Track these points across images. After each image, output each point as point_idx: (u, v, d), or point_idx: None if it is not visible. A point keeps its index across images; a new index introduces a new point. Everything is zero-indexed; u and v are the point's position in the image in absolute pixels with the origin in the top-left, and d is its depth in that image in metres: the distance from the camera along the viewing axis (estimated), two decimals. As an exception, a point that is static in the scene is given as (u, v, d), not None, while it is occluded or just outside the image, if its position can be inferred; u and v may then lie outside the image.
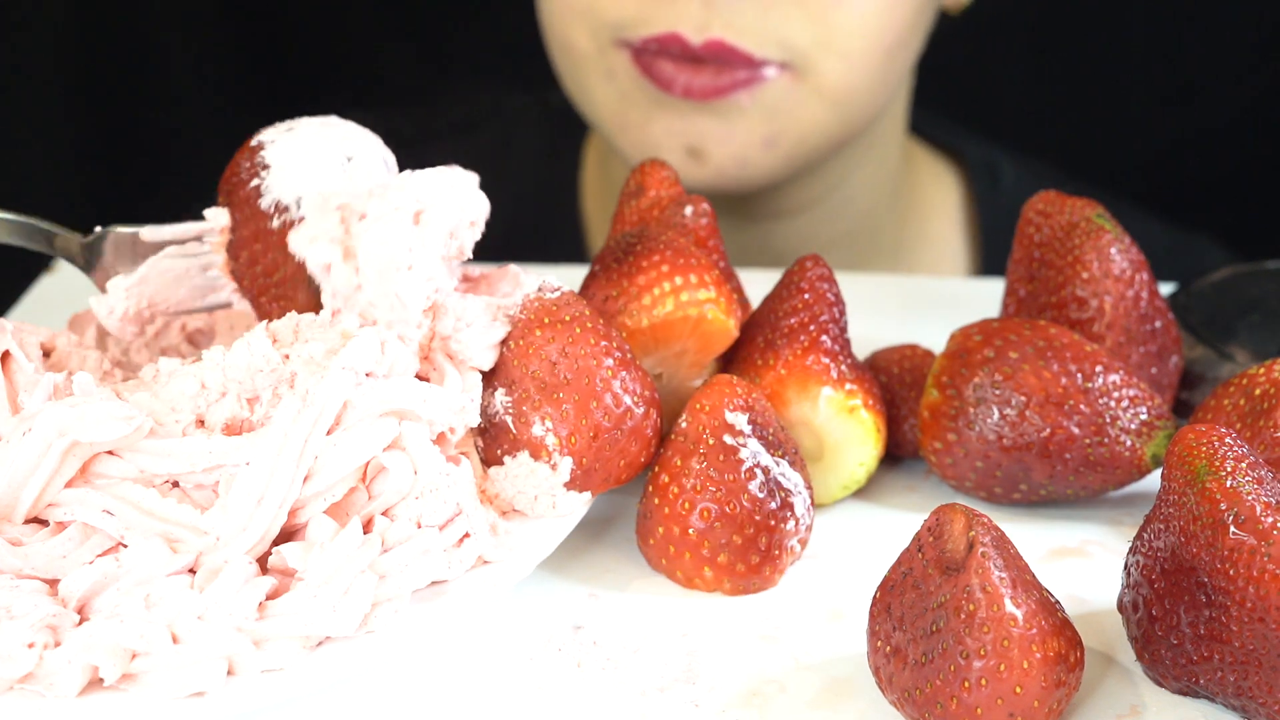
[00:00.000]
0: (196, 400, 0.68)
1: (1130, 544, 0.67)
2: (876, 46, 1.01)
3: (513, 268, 0.77)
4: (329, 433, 0.66)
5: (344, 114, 0.80)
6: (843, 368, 0.77)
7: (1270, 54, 1.54)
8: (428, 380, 0.70)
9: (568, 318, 0.71)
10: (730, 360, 0.79)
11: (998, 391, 0.75)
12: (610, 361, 0.71)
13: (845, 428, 0.76)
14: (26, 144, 1.54)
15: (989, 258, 1.23)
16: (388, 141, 0.80)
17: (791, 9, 0.99)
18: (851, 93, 1.03)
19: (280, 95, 1.53)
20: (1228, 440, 0.63)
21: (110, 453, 0.66)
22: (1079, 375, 0.75)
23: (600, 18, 1.01)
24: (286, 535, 0.66)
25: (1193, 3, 1.54)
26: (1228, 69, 1.56)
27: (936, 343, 0.82)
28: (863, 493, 0.80)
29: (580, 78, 1.06)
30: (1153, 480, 0.77)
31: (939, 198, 1.24)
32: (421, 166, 0.81)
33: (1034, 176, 1.23)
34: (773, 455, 0.72)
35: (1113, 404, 0.75)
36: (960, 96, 1.44)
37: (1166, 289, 0.94)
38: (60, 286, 1.02)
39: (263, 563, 0.65)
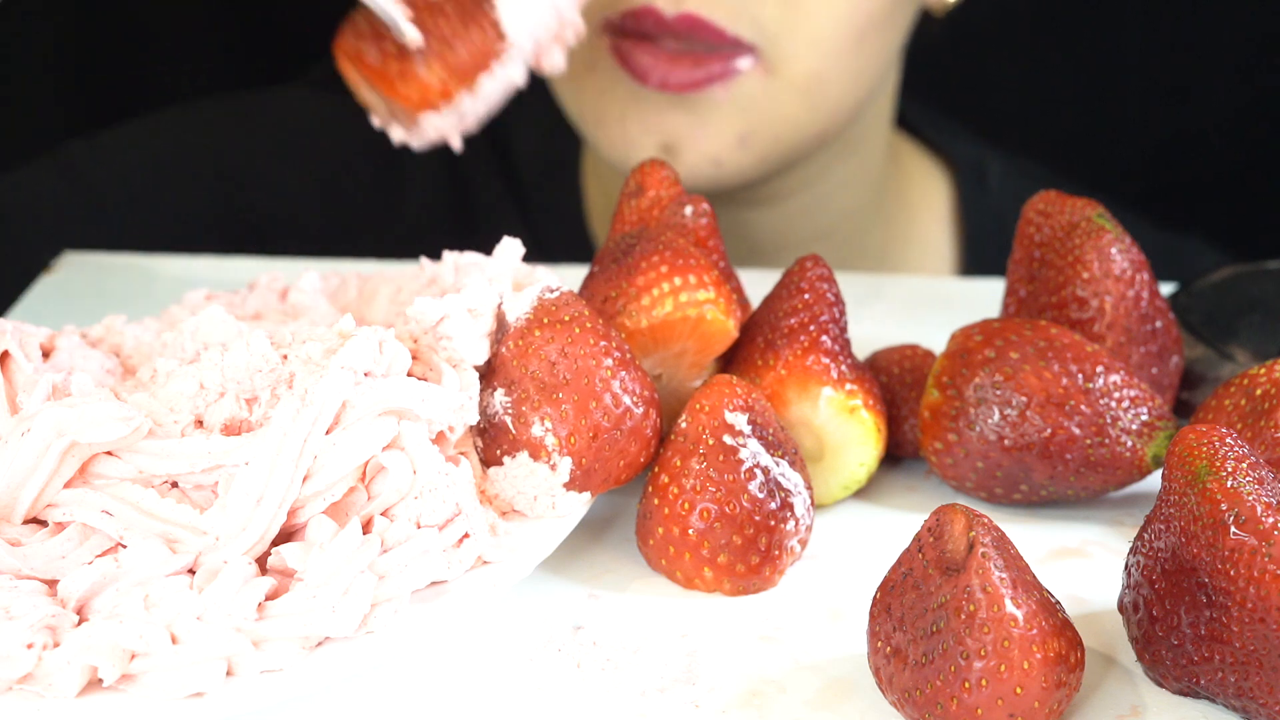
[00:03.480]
0: (195, 400, 0.68)
1: (1131, 544, 0.67)
2: (846, 32, 1.01)
3: (467, 256, 0.78)
4: (328, 432, 0.65)
5: None
6: (843, 368, 0.77)
7: (1265, 53, 1.54)
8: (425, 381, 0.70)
9: (567, 318, 0.71)
10: (730, 360, 0.79)
11: (998, 392, 0.75)
12: (610, 361, 0.71)
13: (845, 428, 0.76)
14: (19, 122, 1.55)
15: (974, 257, 1.22)
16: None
17: None
18: (823, 82, 1.03)
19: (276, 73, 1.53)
20: (1228, 440, 0.62)
21: (109, 453, 0.66)
22: (1080, 376, 0.75)
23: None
24: (286, 535, 0.66)
25: (1188, 1, 1.54)
26: (1223, 68, 1.56)
27: (937, 343, 0.82)
28: (863, 493, 0.80)
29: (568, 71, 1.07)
30: (1153, 481, 0.77)
31: (928, 197, 1.24)
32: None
33: (1022, 176, 1.23)
34: (773, 455, 0.72)
35: (1114, 404, 0.75)
36: (952, 92, 1.44)
37: (1166, 289, 0.94)
38: (60, 286, 1.02)
39: (262, 563, 0.65)
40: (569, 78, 1.07)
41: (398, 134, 0.89)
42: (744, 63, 1.01)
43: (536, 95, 1.26)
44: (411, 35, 0.84)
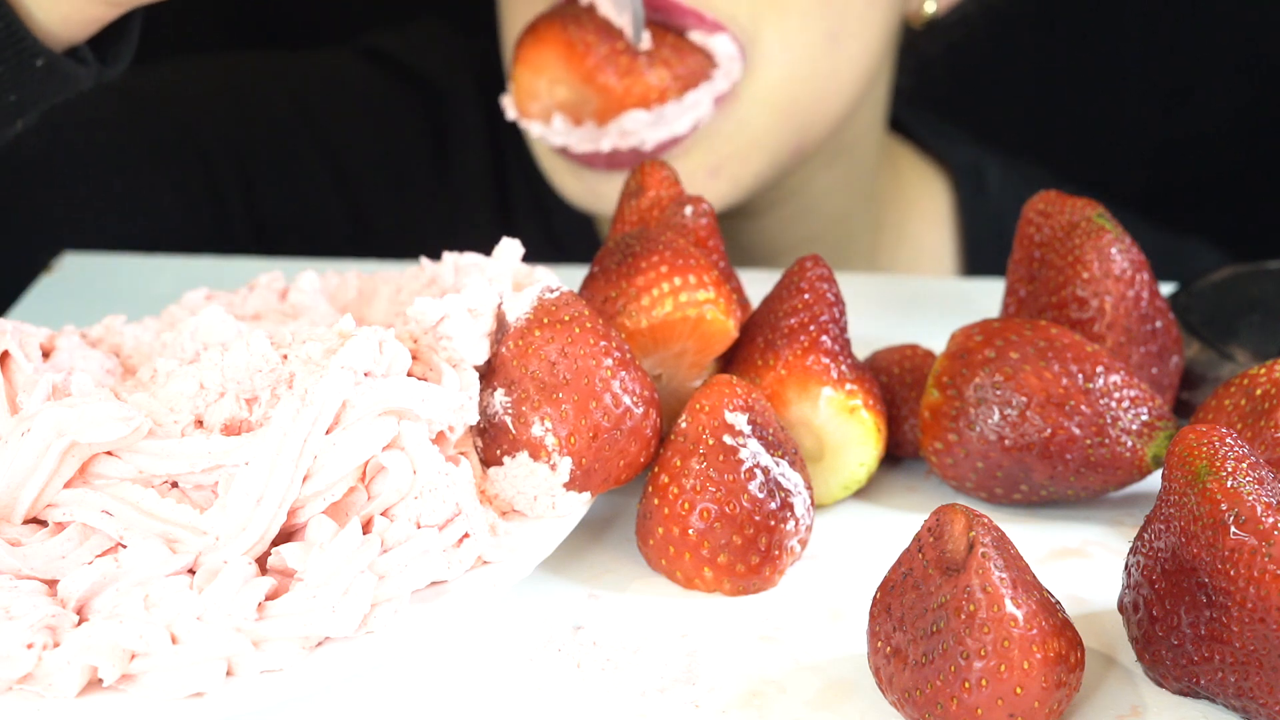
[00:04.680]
0: (195, 400, 0.68)
1: (1131, 544, 0.67)
2: (815, 28, 1.00)
3: (467, 257, 0.78)
4: (328, 432, 0.65)
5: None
6: (843, 368, 0.77)
7: (1265, 54, 1.54)
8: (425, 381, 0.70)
9: (567, 318, 0.71)
10: (730, 360, 0.79)
11: (999, 392, 0.75)
12: (610, 361, 0.71)
13: (846, 428, 0.76)
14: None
15: (973, 261, 1.22)
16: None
17: None
18: (793, 87, 1.01)
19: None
20: (1228, 440, 0.62)
21: (109, 453, 0.66)
22: (1080, 376, 0.75)
23: None
24: (286, 536, 0.66)
25: (1187, 3, 1.54)
26: (1222, 69, 1.56)
27: (937, 343, 0.82)
28: (863, 493, 0.80)
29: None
30: (1154, 481, 0.77)
31: (925, 202, 1.23)
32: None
33: (1021, 180, 1.22)
34: (773, 455, 0.72)
35: (1114, 404, 0.75)
36: (951, 97, 1.44)
37: (1166, 289, 0.94)
38: (60, 286, 1.02)
39: (262, 563, 0.65)
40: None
41: (539, 130, 0.99)
42: (704, 104, 1.00)
43: None
44: (646, 40, 0.96)
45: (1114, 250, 0.80)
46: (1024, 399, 0.74)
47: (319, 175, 1.23)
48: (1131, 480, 0.76)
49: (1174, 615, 0.63)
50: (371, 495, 0.67)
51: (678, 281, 0.75)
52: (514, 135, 1.21)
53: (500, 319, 0.72)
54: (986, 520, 0.63)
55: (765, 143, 1.03)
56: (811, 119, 1.04)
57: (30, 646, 0.61)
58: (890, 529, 0.77)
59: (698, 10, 0.99)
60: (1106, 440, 0.74)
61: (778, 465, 0.72)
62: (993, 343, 0.76)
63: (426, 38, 1.29)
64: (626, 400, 0.71)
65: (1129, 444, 0.75)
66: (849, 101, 1.06)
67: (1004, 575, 0.61)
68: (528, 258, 0.80)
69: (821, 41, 1.01)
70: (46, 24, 0.77)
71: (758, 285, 0.87)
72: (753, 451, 0.71)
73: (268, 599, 0.63)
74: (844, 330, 0.78)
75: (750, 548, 0.71)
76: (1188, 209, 1.52)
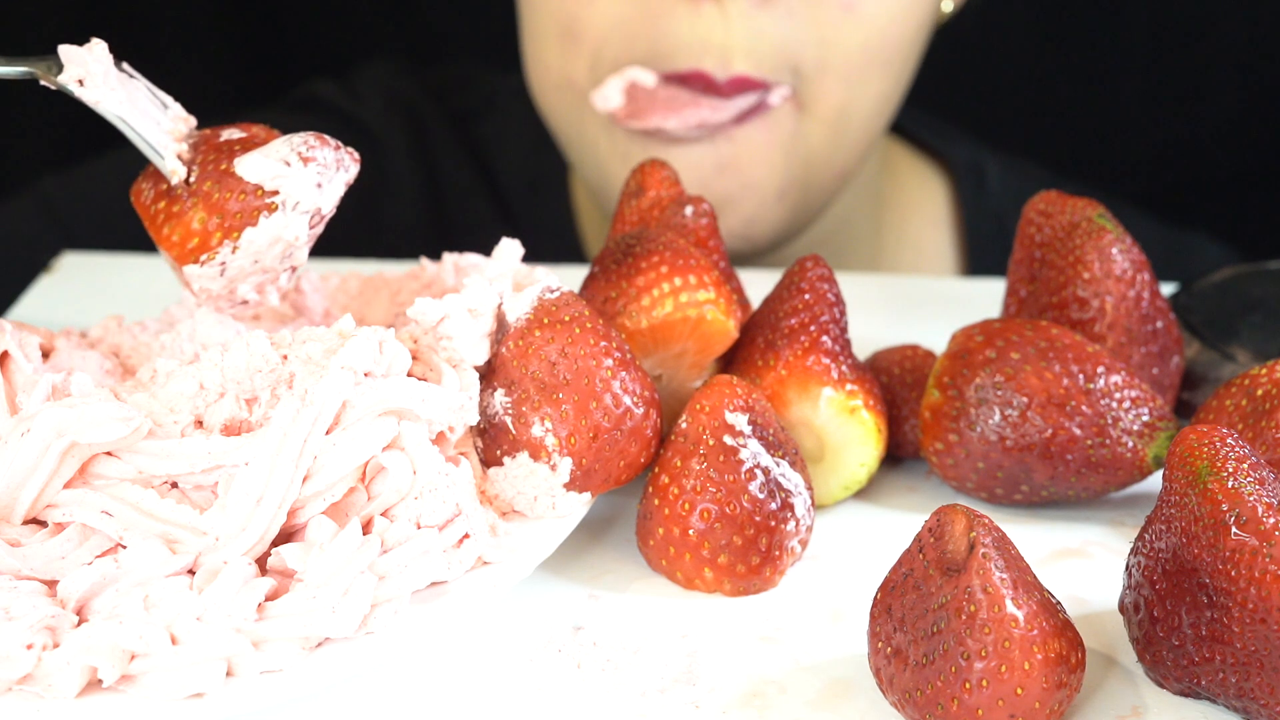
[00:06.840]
0: (195, 401, 0.68)
1: (1132, 545, 0.67)
2: (873, 60, 1.02)
3: (467, 258, 0.79)
4: (328, 432, 0.65)
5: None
6: (843, 368, 0.77)
7: (1266, 56, 1.54)
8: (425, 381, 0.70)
9: (567, 318, 0.71)
10: (730, 361, 0.79)
11: (999, 392, 0.75)
12: (610, 362, 0.71)
13: (846, 428, 0.76)
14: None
15: (975, 259, 1.22)
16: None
17: (801, 28, 1.00)
18: (848, 114, 1.03)
19: (273, 83, 1.53)
20: (1229, 441, 0.62)
21: (109, 453, 0.66)
22: (1081, 376, 0.75)
23: (622, 58, 1.01)
24: (286, 536, 0.66)
25: (1189, 3, 1.54)
26: (1224, 70, 1.56)
27: (937, 343, 0.82)
28: (863, 493, 0.80)
29: (585, 124, 1.06)
30: (1154, 481, 0.77)
31: (923, 200, 1.24)
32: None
33: (1020, 177, 1.23)
34: (773, 456, 0.72)
35: (1114, 405, 0.75)
36: (954, 97, 1.43)
37: (1167, 289, 0.94)
38: (60, 286, 1.02)
39: (262, 564, 0.65)
40: (591, 134, 1.06)
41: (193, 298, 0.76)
42: (776, 97, 1.01)
43: (513, 114, 1.26)
44: (171, 165, 0.72)
45: (1115, 250, 0.80)
46: (1025, 399, 0.74)
47: None
48: (1132, 481, 0.76)
49: (1175, 616, 0.63)
50: (371, 496, 0.67)
51: (678, 282, 0.75)
52: (452, 178, 1.21)
53: (500, 319, 0.72)
54: (987, 521, 0.63)
55: (822, 159, 1.05)
56: (861, 138, 1.07)
57: (30, 647, 0.61)
58: (890, 529, 0.77)
59: (763, 80, 1.00)
60: (1107, 441, 0.74)
61: (778, 466, 0.72)
62: (994, 343, 0.75)
63: (366, 82, 1.29)
64: (627, 400, 0.71)
65: (1130, 444, 0.74)
66: (890, 120, 1.09)
67: (1005, 576, 0.61)
68: None
69: (877, 68, 1.03)
70: None
71: (758, 285, 0.87)
72: (753, 452, 0.71)
73: (268, 599, 0.63)
74: (844, 330, 0.78)
75: (750, 548, 0.71)
76: (1189, 209, 1.53)
